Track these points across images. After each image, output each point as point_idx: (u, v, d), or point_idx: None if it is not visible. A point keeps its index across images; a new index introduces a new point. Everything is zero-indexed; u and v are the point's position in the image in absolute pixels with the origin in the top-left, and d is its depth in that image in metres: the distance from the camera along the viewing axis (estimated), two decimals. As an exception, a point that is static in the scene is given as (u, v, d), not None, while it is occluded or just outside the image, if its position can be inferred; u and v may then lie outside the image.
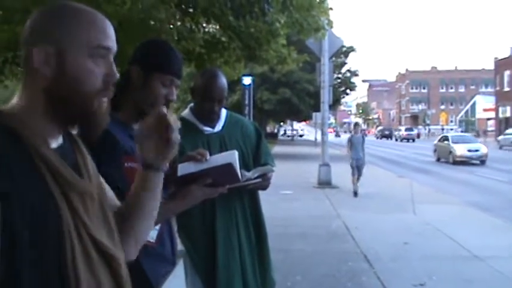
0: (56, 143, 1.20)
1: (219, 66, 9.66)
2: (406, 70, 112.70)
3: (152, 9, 7.46)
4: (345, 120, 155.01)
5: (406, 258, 7.24)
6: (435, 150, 30.51)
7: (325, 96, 16.39)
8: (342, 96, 46.03)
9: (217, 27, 9.60)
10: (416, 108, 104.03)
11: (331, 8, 10.10)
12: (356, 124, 15.10)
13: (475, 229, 9.51)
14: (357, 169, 13.64)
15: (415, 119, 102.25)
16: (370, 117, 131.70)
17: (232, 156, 2.17)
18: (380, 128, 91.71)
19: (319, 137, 26.23)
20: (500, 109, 60.57)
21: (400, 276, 6.44)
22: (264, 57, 10.57)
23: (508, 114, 58.75)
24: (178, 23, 8.75)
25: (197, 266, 2.77)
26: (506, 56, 61.07)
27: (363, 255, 7.35)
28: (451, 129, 70.74)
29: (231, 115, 2.96)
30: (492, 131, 61.83)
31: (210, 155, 2.17)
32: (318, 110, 22.58)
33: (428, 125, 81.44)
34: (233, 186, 2.29)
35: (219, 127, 2.86)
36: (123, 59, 2.27)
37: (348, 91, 45.95)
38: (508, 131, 46.70)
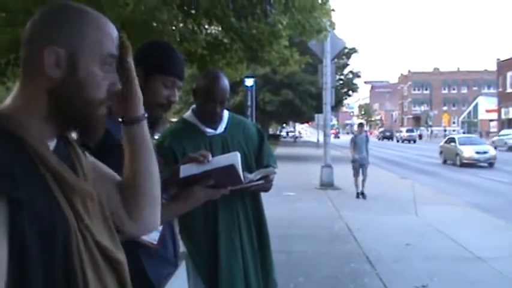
0: (52, 144, 1.18)
1: (221, 68, 9.66)
2: (409, 71, 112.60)
3: (155, 11, 7.47)
4: (347, 121, 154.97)
5: (408, 259, 7.23)
6: (441, 152, 29.66)
7: (327, 98, 16.38)
8: (344, 97, 45.97)
9: (220, 28, 9.60)
10: (419, 109, 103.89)
11: (333, 10, 10.09)
12: (360, 124, 14.91)
13: (477, 230, 9.50)
14: (361, 169, 13.43)
15: (417, 120, 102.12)
16: (373, 119, 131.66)
17: (235, 158, 2.17)
18: (381, 129, 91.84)
19: (321, 139, 26.23)
20: (503, 110, 60.48)
21: (402, 277, 6.43)
22: (266, 59, 10.58)
23: (510, 116, 58.68)
24: (181, 25, 8.75)
25: (199, 268, 2.77)
26: (509, 57, 60.96)
27: (365, 256, 7.35)
28: (454, 131, 70.83)
29: (233, 116, 2.96)
30: (495, 132, 61.72)
31: (212, 156, 2.18)
32: (320, 111, 22.62)
33: (430, 126, 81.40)
34: (235, 188, 2.29)
35: (221, 129, 2.86)
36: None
37: (350, 92, 45.85)
38: (502, 132, 47.37)
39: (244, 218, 2.84)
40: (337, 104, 42.44)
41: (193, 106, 2.91)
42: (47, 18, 1.17)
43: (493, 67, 71.19)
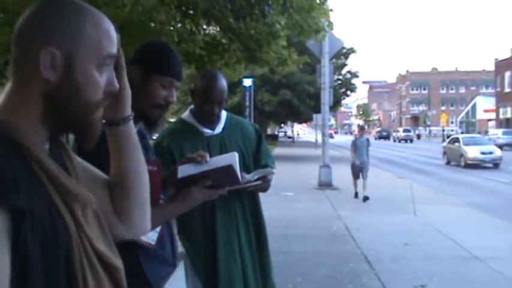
0: (46, 147, 1.13)
1: (219, 68, 9.66)
2: (407, 71, 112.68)
3: (153, 12, 7.46)
4: (346, 121, 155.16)
5: (406, 259, 7.24)
6: (444, 153, 28.73)
7: (326, 98, 16.40)
8: (342, 97, 46.04)
9: (218, 29, 9.60)
10: (417, 109, 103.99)
11: (331, 10, 10.12)
12: (361, 127, 14.79)
13: (476, 230, 9.51)
14: (361, 172, 13.10)
15: (415, 120, 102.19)
16: (371, 119, 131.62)
17: (233, 158, 2.17)
18: (378, 129, 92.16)
19: (319, 139, 26.22)
20: (501, 110, 60.49)
21: (401, 277, 6.44)
22: (265, 59, 10.57)
23: (508, 115, 58.69)
24: (179, 25, 8.75)
25: (197, 268, 2.77)
26: (507, 57, 60.99)
27: (364, 256, 7.35)
28: (452, 130, 70.93)
29: (231, 117, 2.96)
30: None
31: (210, 157, 2.18)
32: (318, 111, 22.60)
33: (428, 126, 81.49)
34: (233, 188, 2.29)
35: (219, 129, 2.86)
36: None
37: (348, 92, 45.93)
38: (491, 132, 47.85)
39: (243, 218, 2.84)
40: (336, 104, 42.48)
41: (191, 106, 2.92)
42: (41, 15, 1.11)
43: (491, 67, 71.33)
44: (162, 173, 2.01)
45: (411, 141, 65.93)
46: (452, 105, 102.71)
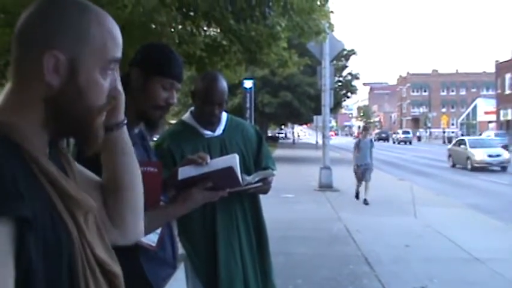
0: (46, 152, 1.10)
1: (219, 70, 9.66)
2: (407, 73, 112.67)
3: (153, 13, 7.46)
4: (346, 123, 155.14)
5: (407, 260, 7.23)
6: (450, 156, 27.92)
7: (326, 100, 16.39)
8: (343, 99, 46.00)
9: (218, 30, 9.59)
10: (418, 111, 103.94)
11: (332, 11, 10.11)
12: (365, 128, 14.56)
13: (476, 231, 9.51)
14: (363, 174, 12.82)
15: (416, 122, 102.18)
16: (371, 120, 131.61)
17: (233, 160, 2.17)
18: (377, 131, 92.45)
19: (320, 140, 26.20)
20: (501, 112, 60.43)
21: (401, 278, 6.43)
22: (265, 61, 10.58)
23: (509, 117, 58.61)
24: (179, 27, 8.75)
25: (198, 270, 2.77)
26: (507, 59, 60.96)
27: (364, 258, 7.35)
28: (452, 132, 71.06)
29: (231, 119, 2.96)
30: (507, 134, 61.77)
31: (211, 158, 2.18)
32: (319, 113, 22.59)
33: (429, 128, 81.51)
34: (234, 190, 2.29)
35: (219, 131, 2.86)
36: (124, 62, 2.28)
37: (349, 94, 45.88)
38: (484, 134, 48.31)
39: (243, 220, 2.84)
40: (336, 106, 42.44)
41: (192, 108, 2.92)
42: (43, 14, 1.07)
43: (492, 69, 71.25)
44: (163, 174, 2.01)
45: (410, 142, 66.47)
46: (452, 107, 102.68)
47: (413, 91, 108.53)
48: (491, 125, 65.54)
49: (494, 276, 6.57)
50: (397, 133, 75.51)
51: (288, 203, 12.48)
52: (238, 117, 3.16)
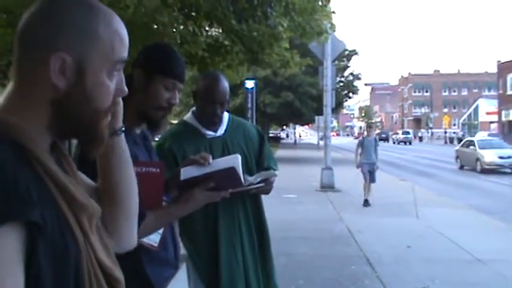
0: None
1: (221, 70, 9.66)
2: (409, 73, 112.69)
3: (155, 13, 7.46)
4: (348, 123, 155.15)
5: (408, 261, 7.23)
6: (457, 157, 26.89)
7: (328, 100, 16.39)
8: (344, 99, 45.97)
9: (220, 30, 9.59)
10: (419, 111, 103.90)
11: (333, 12, 10.10)
12: (369, 126, 14.34)
13: (478, 232, 9.50)
14: (369, 174, 12.47)
15: (417, 122, 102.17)
16: (373, 121, 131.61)
17: (235, 160, 2.17)
18: (378, 131, 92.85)
19: (321, 141, 26.20)
20: (503, 112, 60.41)
21: (403, 279, 6.43)
22: (267, 61, 10.57)
23: (510, 118, 58.60)
24: (181, 27, 8.74)
25: (200, 270, 2.77)
26: (509, 59, 60.94)
27: (366, 258, 7.34)
28: (454, 133, 71.16)
29: (233, 119, 2.96)
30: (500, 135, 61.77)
31: (213, 159, 2.18)
32: (320, 113, 22.62)
33: (431, 128, 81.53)
34: (236, 191, 2.29)
35: (221, 131, 2.85)
36: (126, 64, 2.28)
37: (350, 94, 45.82)
38: (479, 134, 49.20)
39: (245, 221, 2.84)
40: (338, 106, 42.43)
41: (193, 108, 2.91)
42: (47, 13, 1.03)
43: (494, 69, 71.20)
44: (165, 175, 2.01)
45: (410, 143, 66.96)
46: (454, 108, 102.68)
47: (415, 91, 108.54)
48: (493, 126, 65.54)
49: (496, 277, 6.56)
50: (397, 133, 76.24)
51: (290, 203, 12.48)
52: (240, 118, 3.16)
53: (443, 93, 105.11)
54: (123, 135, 1.34)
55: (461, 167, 25.95)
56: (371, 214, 11.33)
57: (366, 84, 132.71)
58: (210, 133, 2.82)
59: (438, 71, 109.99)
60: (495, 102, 66.69)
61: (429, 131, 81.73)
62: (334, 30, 11.47)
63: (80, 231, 1.01)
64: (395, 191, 15.18)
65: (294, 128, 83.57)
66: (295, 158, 32.33)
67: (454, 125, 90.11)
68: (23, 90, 1.03)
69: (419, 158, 35.78)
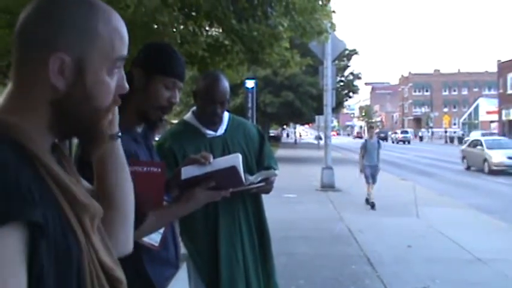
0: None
1: (222, 70, 9.66)
2: (409, 73, 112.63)
3: (155, 13, 7.46)
4: (348, 123, 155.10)
5: (409, 261, 7.22)
6: (464, 158, 25.88)
7: (328, 99, 16.39)
8: (344, 99, 45.98)
9: (220, 30, 9.59)
10: (419, 111, 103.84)
11: (334, 11, 10.10)
12: (370, 127, 14.02)
13: (479, 232, 9.49)
14: (371, 177, 12.24)
15: (418, 121, 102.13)
16: (373, 120, 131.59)
17: (236, 160, 2.17)
18: (376, 130, 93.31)
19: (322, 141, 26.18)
20: (504, 112, 60.35)
21: (403, 279, 6.43)
22: (267, 61, 10.57)
23: (511, 117, 58.58)
24: (181, 27, 8.74)
25: (200, 270, 2.77)
26: (510, 58, 60.88)
27: (366, 258, 7.34)
28: (454, 132, 71.28)
29: (233, 118, 2.96)
30: (496, 133, 61.75)
31: (213, 158, 2.18)
32: (320, 113, 22.60)
33: (431, 127, 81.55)
34: (236, 190, 2.29)
35: (221, 130, 2.85)
36: (126, 62, 2.28)
37: (350, 94, 45.84)
38: (471, 135, 49.47)
39: (245, 220, 2.84)
40: (338, 106, 42.43)
41: (194, 108, 2.91)
42: (45, 13, 1.02)
43: (494, 68, 71.11)
44: (166, 174, 2.01)
45: (408, 142, 68.14)
46: (454, 107, 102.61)
47: (415, 91, 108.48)
48: (493, 125, 65.51)
49: (497, 276, 6.56)
50: (396, 133, 77.32)
51: (290, 203, 12.48)
52: (240, 117, 3.16)
53: (444, 93, 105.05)
54: (119, 141, 1.32)
55: (468, 168, 25.09)
56: (371, 214, 11.34)
57: (366, 84, 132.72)
58: (211, 133, 2.82)
59: (438, 70, 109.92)
60: (495, 101, 66.63)
61: (429, 130, 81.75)
62: (334, 30, 11.48)
63: (82, 232, 1.01)
64: (396, 191, 15.18)
65: (294, 128, 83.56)
66: (296, 157, 32.33)
67: (455, 124, 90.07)
68: (22, 90, 1.02)
69: (420, 157, 35.77)
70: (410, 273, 6.63)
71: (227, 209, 2.75)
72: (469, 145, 26.33)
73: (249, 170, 2.68)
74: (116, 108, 1.24)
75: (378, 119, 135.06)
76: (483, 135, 44.37)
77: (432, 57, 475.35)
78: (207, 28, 9.60)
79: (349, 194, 14.09)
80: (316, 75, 22.97)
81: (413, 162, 31.62)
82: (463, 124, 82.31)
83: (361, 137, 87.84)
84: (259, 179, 2.57)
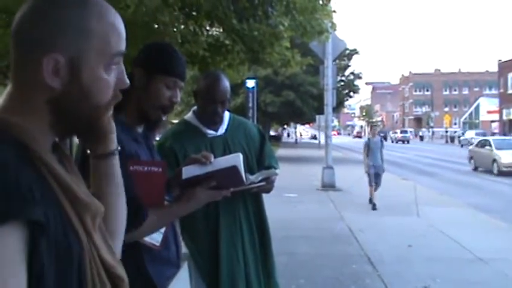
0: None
1: (222, 69, 9.66)
2: (410, 72, 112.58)
3: (156, 13, 7.47)
4: (349, 122, 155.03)
5: (410, 260, 7.22)
6: (471, 158, 25.06)
7: (329, 99, 16.38)
8: (345, 98, 45.99)
9: (221, 30, 9.60)
10: (420, 110, 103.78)
11: (334, 11, 10.12)
12: (373, 126, 13.75)
13: (479, 231, 9.49)
14: (375, 177, 11.97)
15: (418, 121, 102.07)
16: (374, 120, 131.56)
17: (237, 159, 2.17)
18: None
19: (322, 140, 26.19)
20: (504, 111, 60.33)
21: (404, 278, 6.43)
22: (268, 60, 10.59)
23: (511, 116, 58.57)
24: (182, 26, 8.75)
25: (201, 269, 2.77)
26: (510, 58, 60.84)
27: (367, 257, 7.34)
28: (455, 132, 71.26)
29: (234, 118, 2.96)
30: (496, 133, 61.75)
31: (214, 158, 2.18)
32: (321, 112, 22.60)
33: (432, 127, 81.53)
34: (237, 190, 2.29)
35: (222, 130, 2.86)
36: (127, 62, 2.28)
37: (351, 94, 45.87)
38: (466, 134, 52.24)
39: (246, 220, 2.84)
40: (339, 105, 42.46)
41: (194, 108, 2.91)
42: (39, 13, 1.01)
43: (495, 68, 71.04)
44: (167, 174, 2.01)
45: (408, 141, 68.88)
46: (455, 107, 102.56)
47: (415, 90, 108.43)
48: (494, 124, 65.47)
49: (498, 276, 6.56)
50: (396, 132, 78.03)
51: (291, 202, 12.47)
52: (241, 117, 3.16)
53: (444, 92, 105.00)
54: (116, 158, 1.29)
55: (476, 169, 24.27)
56: (372, 213, 11.33)
57: (366, 84, 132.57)
58: (211, 132, 2.82)
59: (439, 70, 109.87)
60: (496, 101, 66.62)
61: (430, 130, 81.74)
62: (335, 30, 11.49)
63: (83, 230, 1.01)
64: (397, 190, 15.16)
65: (295, 127, 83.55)
66: (296, 157, 32.32)
67: (455, 124, 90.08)
68: (21, 90, 1.02)
69: (421, 157, 35.75)
70: (411, 273, 6.63)
71: (228, 208, 2.75)
72: (476, 145, 25.58)
73: (249, 170, 2.68)
74: (113, 124, 1.23)
75: (379, 118, 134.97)
76: (477, 134, 44.45)
77: (433, 56, 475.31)
78: (207, 28, 9.61)
79: (350, 194, 14.09)
80: (317, 75, 22.96)
81: (414, 161, 31.60)
82: (464, 124, 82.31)
83: (360, 137, 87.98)
84: (259, 178, 2.57)
